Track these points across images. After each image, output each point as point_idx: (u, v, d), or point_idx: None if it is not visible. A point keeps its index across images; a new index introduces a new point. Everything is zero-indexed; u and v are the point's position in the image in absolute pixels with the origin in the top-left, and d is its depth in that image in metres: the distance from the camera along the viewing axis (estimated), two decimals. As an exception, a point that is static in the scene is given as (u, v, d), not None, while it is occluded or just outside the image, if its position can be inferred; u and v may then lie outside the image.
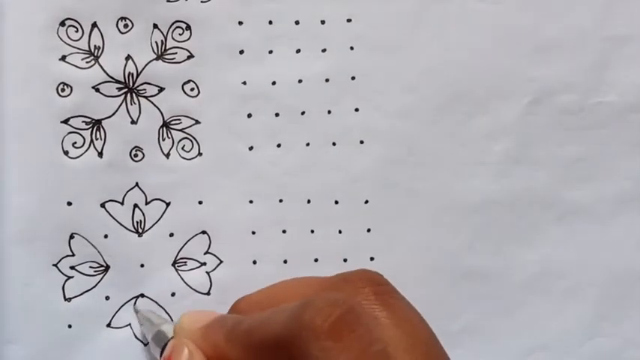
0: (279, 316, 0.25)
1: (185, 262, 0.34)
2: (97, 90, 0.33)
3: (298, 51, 0.34)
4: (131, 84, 0.33)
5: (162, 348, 0.30)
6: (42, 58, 0.32)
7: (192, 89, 0.33)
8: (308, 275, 0.31)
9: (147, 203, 0.33)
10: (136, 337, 0.33)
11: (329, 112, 0.34)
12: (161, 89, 0.33)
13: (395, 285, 0.27)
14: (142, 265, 0.33)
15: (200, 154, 0.34)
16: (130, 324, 0.33)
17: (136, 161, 0.33)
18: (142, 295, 0.33)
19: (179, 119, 0.33)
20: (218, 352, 0.28)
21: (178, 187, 0.33)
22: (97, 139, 0.33)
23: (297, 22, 0.34)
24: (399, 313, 0.25)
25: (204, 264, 0.34)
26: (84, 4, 0.32)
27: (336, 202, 0.35)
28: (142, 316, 0.33)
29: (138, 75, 0.33)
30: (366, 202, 0.35)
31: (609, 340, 0.36)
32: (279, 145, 0.34)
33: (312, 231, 0.34)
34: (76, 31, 0.33)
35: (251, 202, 0.34)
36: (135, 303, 0.33)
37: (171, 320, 0.33)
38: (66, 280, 0.33)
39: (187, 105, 0.33)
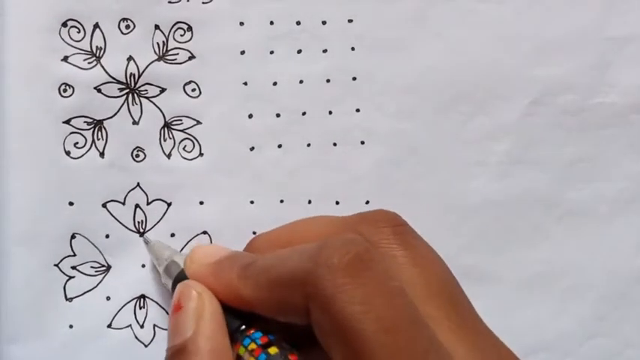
0: (295, 255, 0.25)
1: (186, 262, 0.34)
2: (99, 90, 0.33)
3: (299, 51, 0.34)
4: (133, 84, 0.33)
5: (173, 280, 0.30)
6: (44, 59, 0.32)
7: (193, 90, 0.33)
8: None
9: (148, 203, 0.33)
10: (136, 337, 0.33)
11: (330, 112, 0.34)
12: (162, 90, 0.33)
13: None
14: (144, 266, 0.33)
15: (201, 154, 0.34)
16: (130, 325, 0.33)
17: (137, 161, 0.33)
18: (143, 296, 0.33)
19: (180, 120, 0.33)
20: (229, 289, 0.27)
21: (179, 187, 0.34)
22: (98, 140, 0.33)
23: (298, 23, 0.34)
24: (417, 252, 0.25)
25: (206, 264, 0.34)
26: (86, 5, 0.32)
27: (337, 203, 0.35)
28: (151, 247, 0.33)
29: (139, 76, 0.33)
30: (367, 202, 0.35)
31: (609, 340, 0.36)
32: (280, 146, 0.34)
33: (313, 231, 0.34)
34: (78, 32, 0.33)
35: (252, 202, 0.34)
36: (143, 235, 0.33)
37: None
38: (67, 280, 0.33)
39: (189, 105, 0.33)
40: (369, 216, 0.27)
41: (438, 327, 0.23)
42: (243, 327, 0.26)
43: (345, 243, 0.23)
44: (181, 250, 0.34)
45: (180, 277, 0.29)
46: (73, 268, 0.33)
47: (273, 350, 0.25)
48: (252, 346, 0.25)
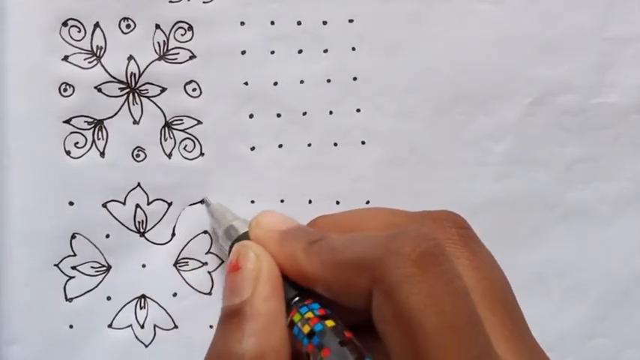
0: (366, 239, 0.25)
1: (187, 262, 0.34)
2: (99, 90, 0.33)
3: (300, 51, 0.34)
4: (133, 84, 0.33)
5: (232, 243, 0.29)
6: (44, 58, 0.32)
7: (194, 89, 0.33)
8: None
9: (149, 203, 0.33)
10: (136, 337, 0.33)
11: (330, 112, 0.34)
12: (163, 89, 0.33)
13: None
14: (144, 266, 0.33)
15: (202, 154, 0.34)
16: (130, 325, 0.33)
17: (137, 161, 0.33)
18: (144, 296, 0.33)
19: (181, 119, 0.33)
20: (293, 261, 0.26)
21: (180, 187, 0.33)
22: (98, 139, 0.33)
23: (298, 23, 0.34)
24: (479, 257, 0.26)
25: (206, 264, 0.34)
26: (86, 4, 0.32)
27: (338, 203, 0.35)
28: (212, 209, 0.32)
29: (140, 75, 0.33)
30: (368, 202, 0.35)
31: (609, 340, 0.36)
32: (280, 146, 0.34)
33: (314, 231, 0.34)
34: (79, 32, 0.33)
35: (252, 202, 0.34)
36: (204, 198, 0.33)
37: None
38: (67, 280, 0.33)
39: (189, 105, 0.33)
40: (437, 215, 0.27)
41: (492, 333, 0.23)
42: (299, 297, 0.26)
43: (418, 235, 0.23)
44: (182, 249, 0.34)
45: (242, 239, 0.29)
46: (73, 268, 0.33)
47: (330, 323, 0.25)
48: (309, 315, 0.25)
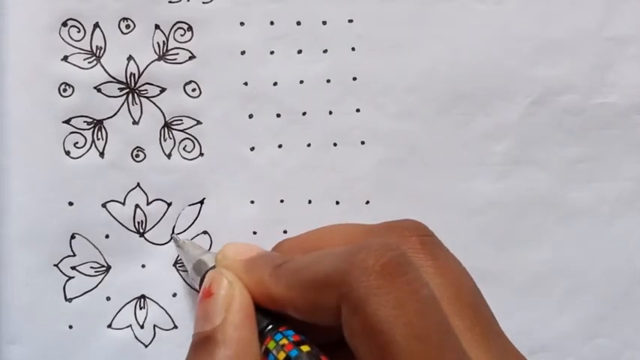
0: (329, 257, 0.25)
1: (186, 262, 0.34)
2: (99, 90, 0.33)
3: (299, 52, 0.34)
4: (133, 84, 0.33)
5: (201, 277, 0.30)
6: (44, 59, 0.32)
7: (193, 90, 0.33)
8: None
9: (148, 204, 0.33)
10: (136, 338, 0.33)
11: (330, 112, 0.34)
12: (163, 90, 0.33)
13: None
14: (143, 266, 0.33)
15: (201, 154, 0.34)
16: (130, 325, 0.33)
17: (137, 161, 0.33)
18: (143, 296, 0.33)
19: (180, 120, 0.33)
20: (261, 287, 0.27)
21: (180, 187, 0.33)
22: (98, 140, 0.33)
23: (298, 23, 0.34)
24: (444, 263, 0.26)
25: (206, 264, 0.34)
26: (86, 4, 0.32)
27: (337, 203, 0.35)
28: (181, 244, 0.33)
29: (139, 75, 0.33)
30: (367, 202, 0.35)
31: (610, 340, 0.36)
32: (280, 146, 0.34)
33: (314, 231, 0.34)
34: (78, 32, 0.33)
35: (252, 202, 0.34)
36: (173, 235, 0.33)
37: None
38: (67, 281, 0.33)
39: (189, 105, 0.33)
40: (397, 225, 0.27)
41: (463, 338, 0.23)
42: (272, 325, 0.26)
43: (381, 247, 0.24)
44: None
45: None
46: (73, 268, 0.33)
47: (305, 348, 0.25)
48: (284, 341, 0.25)
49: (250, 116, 0.34)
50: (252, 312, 0.27)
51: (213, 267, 0.30)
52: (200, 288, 0.29)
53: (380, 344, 0.22)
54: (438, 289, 0.24)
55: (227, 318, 0.26)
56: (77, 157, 0.33)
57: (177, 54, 0.33)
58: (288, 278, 0.26)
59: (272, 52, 0.34)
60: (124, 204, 0.33)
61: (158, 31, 0.33)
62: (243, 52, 0.34)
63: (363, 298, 0.23)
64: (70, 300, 0.33)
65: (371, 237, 0.27)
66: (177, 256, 0.34)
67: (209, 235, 0.34)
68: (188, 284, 0.33)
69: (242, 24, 0.34)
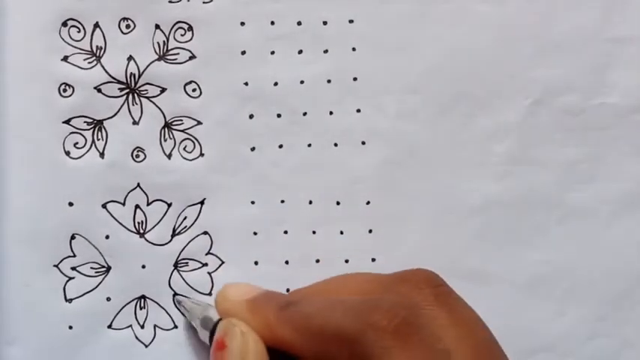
0: (340, 310, 0.25)
1: (187, 262, 0.34)
2: (99, 90, 0.33)
3: (300, 52, 0.34)
4: (133, 84, 0.33)
5: (210, 331, 0.30)
6: (44, 59, 0.32)
7: (194, 90, 0.33)
8: (312, 277, 0.31)
9: (148, 204, 0.33)
10: (136, 338, 0.33)
11: (330, 112, 0.34)
12: (163, 90, 0.33)
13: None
14: (144, 266, 0.33)
15: (202, 154, 0.34)
16: (131, 325, 0.33)
17: (137, 162, 0.33)
18: (144, 297, 0.33)
19: (181, 120, 0.33)
20: (266, 328, 0.27)
21: (180, 187, 0.33)
22: (98, 140, 0.33)
23: (299, 23, 0.34)
24: (458, 314, 0.26)
25: (206, 265, 0.34)
26: (86, 4, 0.32)
27: (338, 203, 0.35)
28: (185, 305, 0.33)
29: (140, 75, 0.33)
30: (368, 202, 0.35)
31: (610, 340, 0.36)
32: (280, 146, 0.34)
33: (314, 232, 0.34)
34: (78, 32, 0.33)
35: (253, 202, 0.34)
36: (175, 297, 0.33)
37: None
38: (67, 281, 0.33)
39: (189, 106, 0.33)
40: (409, 276, 0.27)
41: None
42: None
43: (393, 306, 0.24)
44: (182, 250, 0.34)
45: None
46: (73, 268, 0.33)
47: None
48: None
49: (251, 116, 0.34)
50: None
51: (220, 320, 0.30)
52: (210, 342, 0.30)
53: None
54: (452, 342, 0.24)
55: None
56: (77, 158, 0.33)
57: (178, 54, 0.33)
58: (296, 322, 0.26)
59: (272, 52, 0.34)
60: (124, 204, 0.33)
61: (158, 31, 0.33)
62: (243, 52, 0.34)
63: (378, 358, 0.23)
64: (70, 301, 0.33)
65: (383, 290, 0.27)
66: (178, 256, 0.34)
67: (209, 235, 0.34)
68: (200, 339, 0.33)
69: (242, 24, 0.34)
